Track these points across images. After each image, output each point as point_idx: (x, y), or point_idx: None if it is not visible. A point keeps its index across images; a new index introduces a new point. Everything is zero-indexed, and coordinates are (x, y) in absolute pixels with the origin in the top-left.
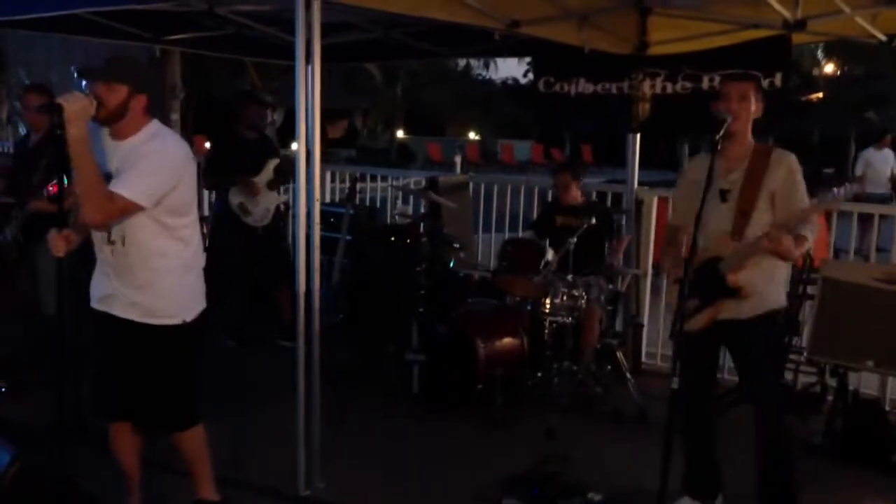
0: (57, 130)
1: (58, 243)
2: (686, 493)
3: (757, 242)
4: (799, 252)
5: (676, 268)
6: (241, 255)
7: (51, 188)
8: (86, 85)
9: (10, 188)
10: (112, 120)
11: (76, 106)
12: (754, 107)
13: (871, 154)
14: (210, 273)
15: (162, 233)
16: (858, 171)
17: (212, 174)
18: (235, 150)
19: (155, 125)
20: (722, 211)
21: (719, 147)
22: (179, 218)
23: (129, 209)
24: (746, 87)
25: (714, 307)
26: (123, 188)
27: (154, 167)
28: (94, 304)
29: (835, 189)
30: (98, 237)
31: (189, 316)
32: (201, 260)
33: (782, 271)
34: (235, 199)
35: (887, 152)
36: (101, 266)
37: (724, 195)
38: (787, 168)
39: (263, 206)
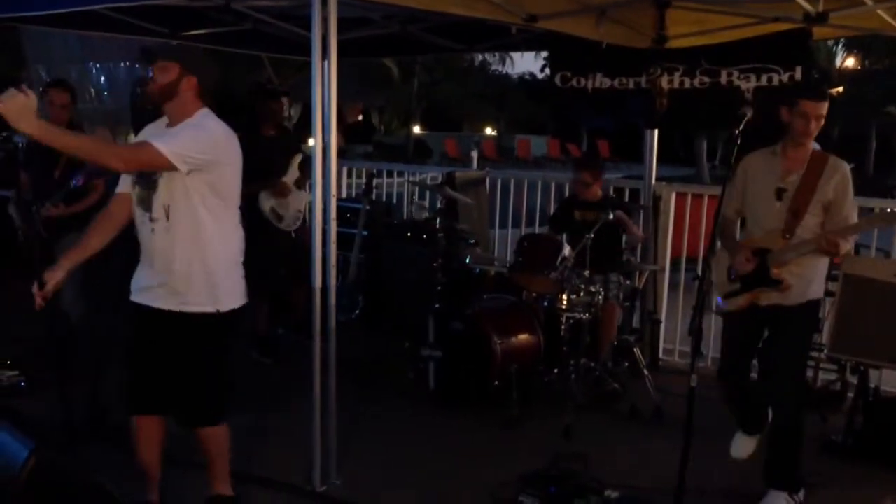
0: (2, 133)
1: (37, 300)
2: (738, 427)
3: (808, 244)
4: (845, 252)
5: (734, 258)
6: (277, 265)
7: (75, 182)
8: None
9: (32, 184)
10: (160, 97)
11: (12, 106)
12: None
13: None
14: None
15: (207, 213)
16: None
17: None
18: (259, 152)
19: (206, 110)
20: (776, 208)
21: (779, 150)
22: (222, 200)
23: (155, 158)
24: (824, 106)
25: (754, 293)
26: (156, 140)
27: (192, 133)
28: (133, 297)
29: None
30: (140, 217)
31: (223, 307)
32: (240, 255)
33: (824, 266)
34: (266, 204)
35: None
36: (144, 254)
37: (780, 194)
38: (841, 176)
39: (294, 207)
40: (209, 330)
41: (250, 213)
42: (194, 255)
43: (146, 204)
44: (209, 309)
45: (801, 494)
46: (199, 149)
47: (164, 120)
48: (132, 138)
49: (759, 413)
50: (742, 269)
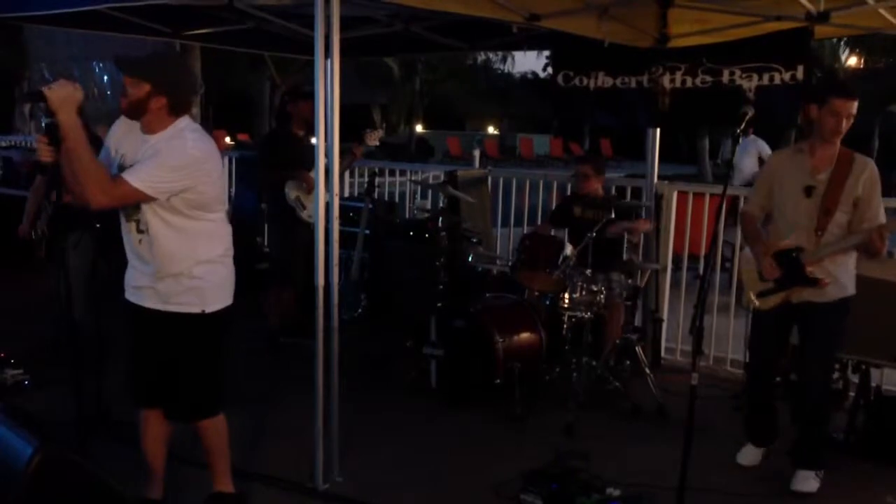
0: (48, 118)
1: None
2: (749, 440)
3: (847, 239)
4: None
5: (759, 261)
6: (302, 251)
7: None
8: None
9: (46, 186)
10: (132, 112)
11: (60, 93)
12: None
13: (744, 144)
14: (270, 276)
15: (188, 220)
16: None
17: (268, 170)
18: (289, 148)
19: (182, 122)
20: (806, 205)
21: (805, 147)
22: (204, 213)
23: (133, 195)
24: (854, 105)
25: (788, 291)
26: (130, 175)
27: (166, 162)
28: (126, 296)
29: None
30: (127, 226)
31: (210, 307)
32: (229, 256)
33: (853, 262)
34: (292, 192)
35: (752, 139)
36: (130, 257)
37: (809, 191)
38: (869, 174)
39: None
40: (197, 329)
41: (277, 202)
42: (178, 263)
43: (128, 214)
44: (195, 310)
45: (822, 472)
46: (173, 177)
47: (138, 125)
48: None
49: (773, 425)
50: (770, 275)
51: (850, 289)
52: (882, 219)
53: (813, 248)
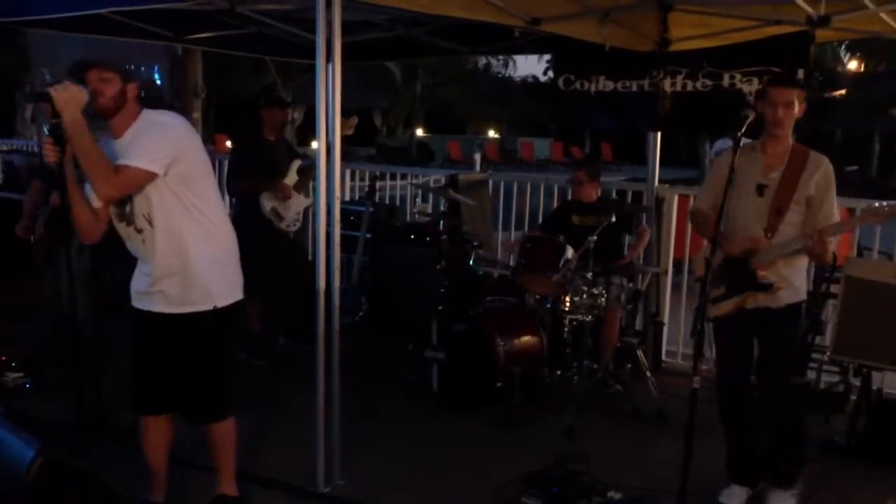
0: (53, 119)
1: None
2: (732, 480)
3: (795, 241)
4: (830, 253)
5: (727, 247)
6: (279, 265)
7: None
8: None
9: (43, 189)
10: (111, 109)
11: (65, 94)
12: (797, 109)
13: (720, 144)
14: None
15: (186, 213)
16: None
17: (240, 180)
18: (260, 154)
19: (145, 111)
20: (757, 205)
21: (760, 146)
22: (197, 185)
23: (138, 177)
24: (791, 93)
25: (741, 297)
26: (125, 159)
27: (150, 136)
28: (133, 303)
29: (883, 203)
30: (124, 231)
31: (220, 302)
32: (234, 250)
33: (805, 265)
34: (268, 204)
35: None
36: (140, 264)
37: (761, 190)
38: (823, 172)
39: (294, 210)
40: (209, 327)
41: (251, 213)
42: (185, 258)
43: (128, 218)
44: (206, 307)
45: (798, 486)
46: (164, 145)
47: (106, 136)
48: None
49: (754, 459)
50: (736, 250)
51: (803, 293)
52: (835, 218)
53: (765, 249)
